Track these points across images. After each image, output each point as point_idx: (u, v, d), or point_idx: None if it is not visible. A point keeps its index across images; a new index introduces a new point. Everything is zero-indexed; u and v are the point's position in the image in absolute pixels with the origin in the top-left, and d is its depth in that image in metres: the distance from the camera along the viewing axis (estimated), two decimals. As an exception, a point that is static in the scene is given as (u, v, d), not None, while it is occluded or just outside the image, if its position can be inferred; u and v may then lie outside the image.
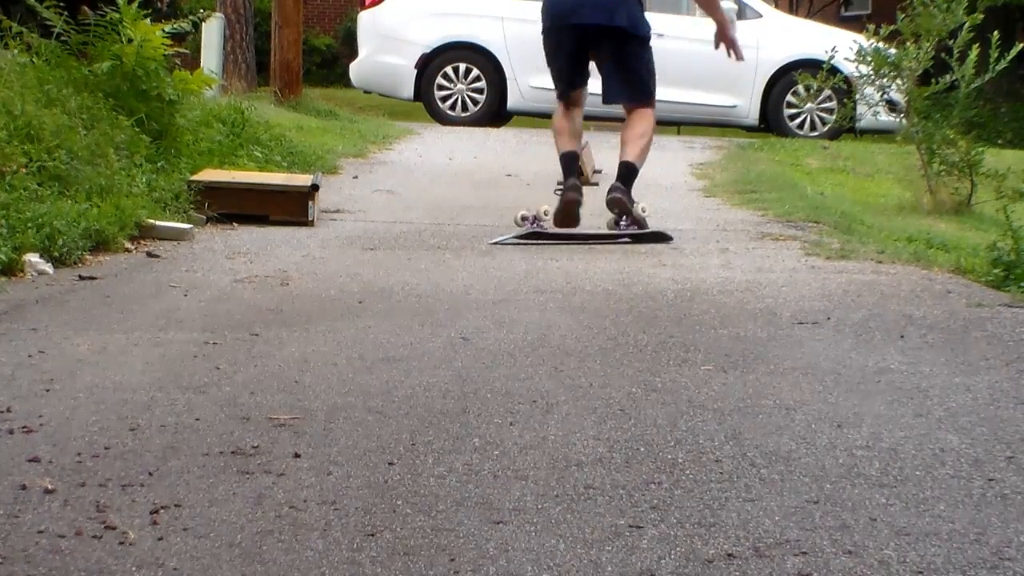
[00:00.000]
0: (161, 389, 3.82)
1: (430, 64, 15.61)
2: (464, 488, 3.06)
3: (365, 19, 16.22)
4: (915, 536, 2.85)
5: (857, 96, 11.39)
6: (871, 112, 11.85)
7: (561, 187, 7.50)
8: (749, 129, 16.07)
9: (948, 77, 9.92)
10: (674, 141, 14.89)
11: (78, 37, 8.26)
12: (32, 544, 2.65)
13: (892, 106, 11.57)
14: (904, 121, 10.37)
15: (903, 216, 9.41)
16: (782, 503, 3.03)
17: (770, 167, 11.91)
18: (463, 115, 15.54)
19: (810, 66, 13.65)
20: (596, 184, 10.16)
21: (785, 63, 15.30)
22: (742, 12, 15.59)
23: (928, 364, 4.44)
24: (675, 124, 16.42)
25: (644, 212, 7.53)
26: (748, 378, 4.16)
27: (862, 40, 10.23)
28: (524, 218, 7.34)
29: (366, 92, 16.79)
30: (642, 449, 3.40)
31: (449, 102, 15.67)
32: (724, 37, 7.59)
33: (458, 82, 15.62)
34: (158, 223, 6.81)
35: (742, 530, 2.85)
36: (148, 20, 8.43)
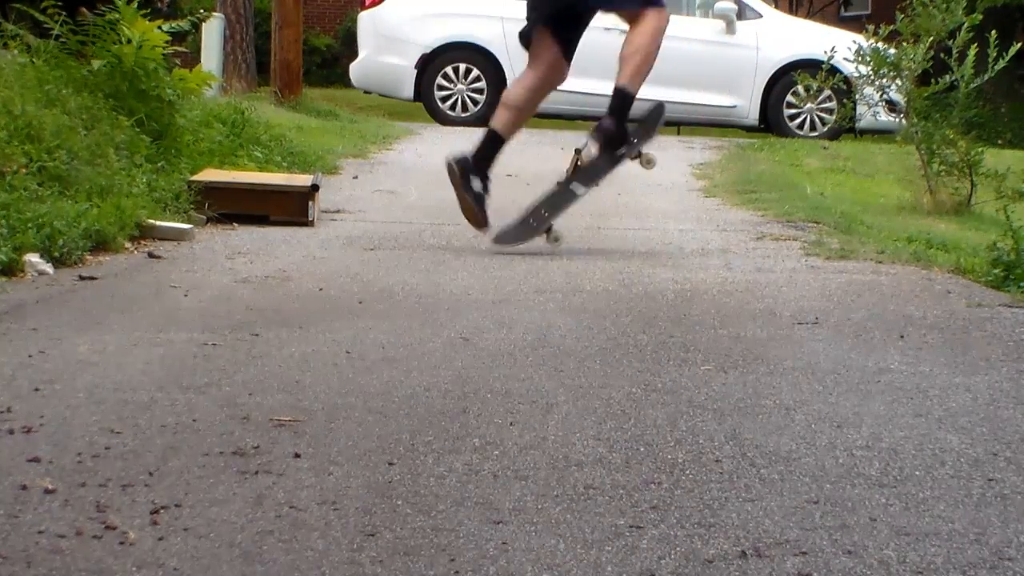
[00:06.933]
0: (161, 389, 3.82)
1: (430, 64, 15.62)
2: (464, 488, 3.06)
3: (365, 19, 16.23)
4: (915, 536, 2.85)
5: (857, 96, 11.39)
6: (871, 112, 11.86)
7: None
8: (749, 129, 16.08)
9: (948, 77, 9.92)
10: (674, 141, 14.88)
11: (76, 37, 8.25)
12: (32, 544, 2.65)
13: (892, 106, 11.58)
14: (904, 121, 10.37)
15: (903, 216, 9.41)
16: (782, 503, 3.03)
17: (770, 167, 11.91)
18: (463, 115, 15.54)
19: (810, 66, 13.66)
20: (596, 185, 10.16)
21: (785, 63, 15.31)
22: (742, 12, 15.61)
23: (928, 364, 4.44)
24: (675, 124, 16.43)
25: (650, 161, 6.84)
26: (748, 378, 4.16)
27: (861, 40, 10.24)
28: None
29: (366, 92, 16.80)
30: (642, 449, 3.40)
31: (449, 102, 15.67)
32: None
33: (458, 82, 15.62)
34: (158, 223, 6.81)
35: (742, 530, 2.85)
36: (147, 20, 8.43)
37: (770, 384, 4.09)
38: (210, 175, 7.85)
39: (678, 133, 16.50)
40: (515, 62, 15.25)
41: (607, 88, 7.20)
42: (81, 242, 5.99)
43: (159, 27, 8.42)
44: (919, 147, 10.05)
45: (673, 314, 5.20)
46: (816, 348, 4.63)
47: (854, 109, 11.92)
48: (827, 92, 14.00)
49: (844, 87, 12.28)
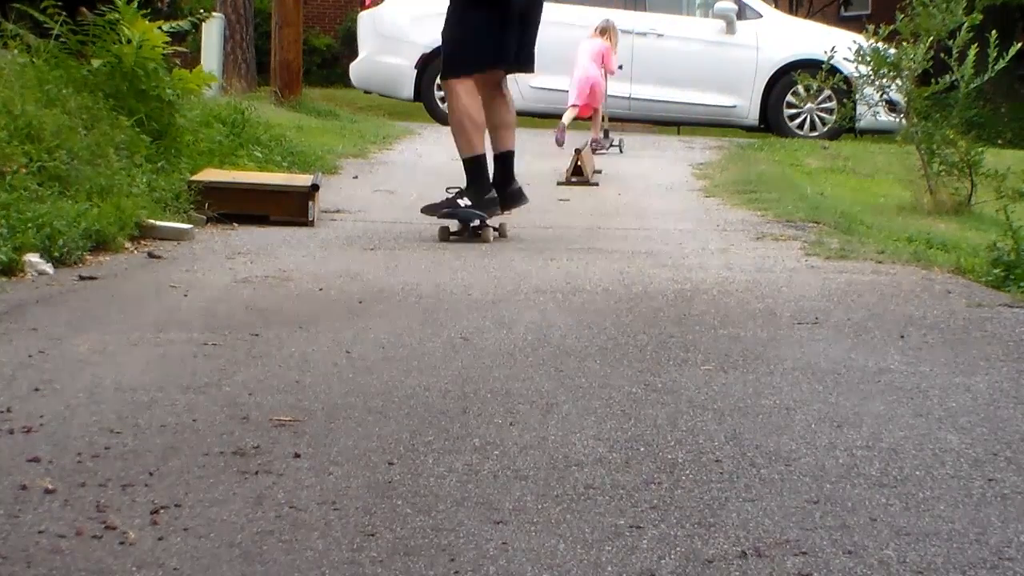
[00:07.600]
0: (161, 389, 3.82)
1: (430, 64, 15.62)
2: (464, 488, 3.06)
3: (365, 19, 16.23)
4: (915, 536, 2.85)
5: (857, 96, 11.40)
6: (871, 112, 11.87)
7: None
8: (749, 129, 16.08)
9: (948, 77, 9.92)
10: (674, 141, 14.90)
11: (76, 37, 8.26)
12: (32, 544, 2.65)
13: (892, 106, 11.58)
14: (904, 121, 10.37)
15: (903, 216, 9.41)
16: (782, 503, 3.03)
17: (770, 167, 11.92)
18: (463, 115, 15.52)
19: (810, 66, 13.67)
20: (596, 184, 10.19)
21: (785, 63, 15.31)
22: (742, 12, 15.61)
23: (928, 364, 4.44)
24: (675, 124, 16.44)
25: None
26: (748, 378, 4.16)
27: (862, 40, 10.24)
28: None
29: (366, 92, 16.80)
30: (642, 449, 3.40)
31: (448, 102, 15.65)
32: None
33: (458, 82, 15.61)
34: (158, 223, 6.81)
35: (742, 530, 2.85)
36: (147, 20, 8.43)
37: (770, 384, 4.09)
38: (210, 175, 7.86)
39: (678, 133, 16.51)
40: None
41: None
42: (81, 242, 6.00)
43: (159, 27, 8.43)
44: (919, 147, 10.05)
45: (673, 314, 5.20)
46: (816, 348, 4.63)
47: (854, 109, 11.92)
48: (827, 92, 14.01)
49: (844, 87, 12.29)
